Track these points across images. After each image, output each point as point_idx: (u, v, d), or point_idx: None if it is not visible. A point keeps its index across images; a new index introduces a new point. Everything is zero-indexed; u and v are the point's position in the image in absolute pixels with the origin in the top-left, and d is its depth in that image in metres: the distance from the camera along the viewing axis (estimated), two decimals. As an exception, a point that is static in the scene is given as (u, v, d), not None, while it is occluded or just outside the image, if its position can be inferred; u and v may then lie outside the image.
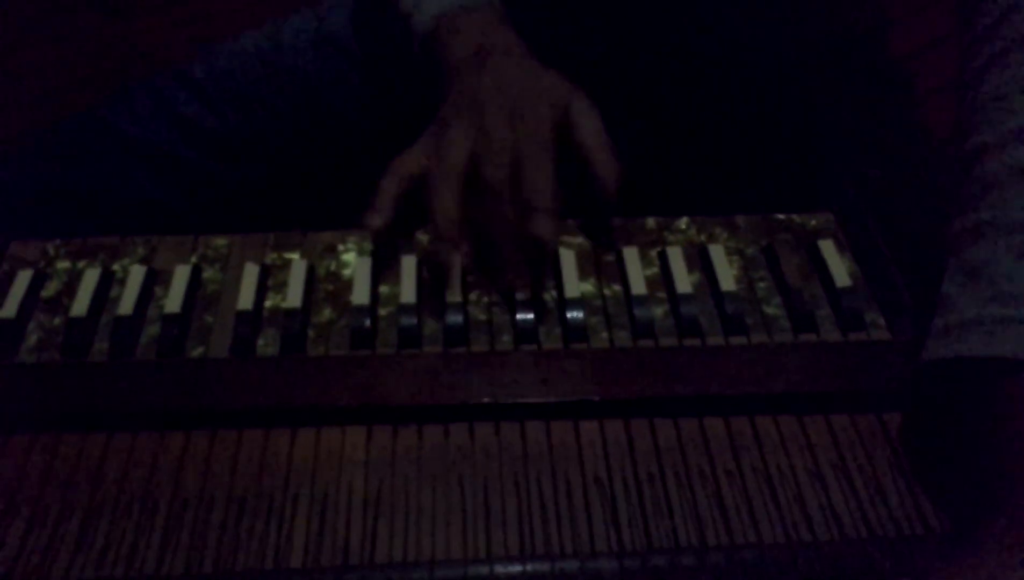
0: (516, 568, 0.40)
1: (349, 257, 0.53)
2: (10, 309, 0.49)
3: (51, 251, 0.53)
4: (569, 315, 0.49)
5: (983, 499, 0.40)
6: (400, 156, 0.53)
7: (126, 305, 0.49)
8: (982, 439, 0.41)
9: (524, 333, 0.49)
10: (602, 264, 0.53)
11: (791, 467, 0.44)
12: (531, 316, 0.49)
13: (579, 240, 0.54)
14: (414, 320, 0.49)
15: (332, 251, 0.54)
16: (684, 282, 0.51)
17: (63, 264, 0.53)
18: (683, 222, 0.55)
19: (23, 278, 0.51)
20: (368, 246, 0.54)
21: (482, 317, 0.50)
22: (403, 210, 0.52)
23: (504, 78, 0.53)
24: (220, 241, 0.54)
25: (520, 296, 0.50)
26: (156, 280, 0.52)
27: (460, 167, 0.50)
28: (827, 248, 0.52)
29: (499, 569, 0.40)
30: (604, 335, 0.49)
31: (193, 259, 0.53)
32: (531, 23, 0.65)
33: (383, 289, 0.51)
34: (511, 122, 0.51)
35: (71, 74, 1.56)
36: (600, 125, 0.52)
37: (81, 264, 0.53)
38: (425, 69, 0.58)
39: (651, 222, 0.55)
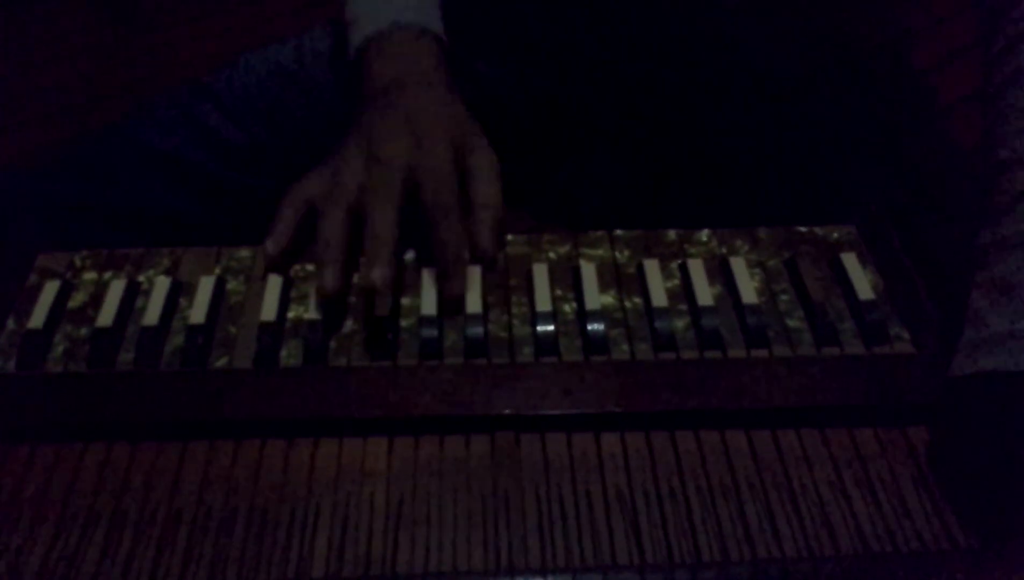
0: (537, 581, 0.40)
1: (371, 269, 0.53)
2: (37, 320, 0.50)
3: (78, 262, 0.54)
4: (590, 327, 0.49)
5: (1010, 515, 0.40)
6: (298, 182, 0.54)
7: (151, 316, 0.50)
8: (1011, 455, 0.40)
9: (545, 345, 0.49)
10: (623, 276, 0.53)
11: (814, 481, 0.44)
12: (552, 328, 0.49)
13: (600, 251, 0.54)
14: (435, 332, 0.49)
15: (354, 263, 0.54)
16: (705, 294, 0.51)
17: (89, 275, 0.53)
18: (704, 234, 0.55)
19: (50, 289, 0.51)
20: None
21: (503, 329, 0.50)
22: (300, 236, 0.53)
23: (411, 107, 0.54)
24: (244, 253, 0.54)
25: (541, 307, 0.50)
26: (181, 291, 0.52)
27: (349, 190, 0.51)
28: (850, 261, 0.52)
29: (520, 581, 0.40)
30: (625, 347, 0.49)
31: (217, 270, 0.53)
32: (559, 37, 0.65)
33: (404, 301, 0.52)
34: (408, 144, 0.52)
35: (95, 88, 1.58)
36: (494, 175, 0.53)
37: (107, 275, 0.53)
38: (349, 82, 0.59)
39: (672, 234, 0.55)
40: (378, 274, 0.48)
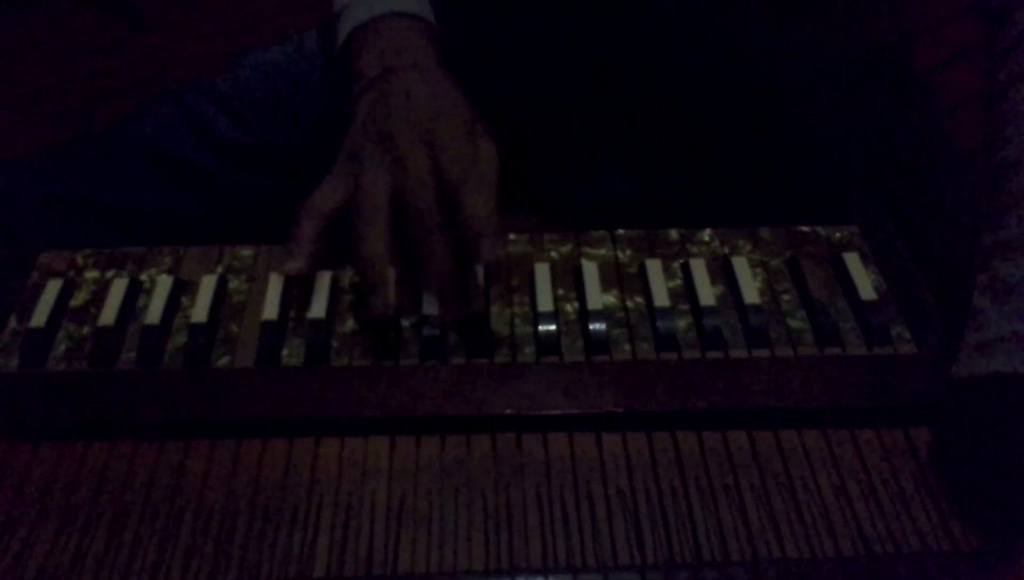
0: (538, 580, 0.40)
1: (373, 268, 0.53)
2: (40, 318, 0.50)
3: (80, 261, 0.54)
4: (591, 327, 0.49)
5: (1012, 517, 0.40)
6: (313, 195, 0.51)
7: (153, 315, 0.50)
8: (1012, 457, 0.40)
9: (546, 345, 0.49)
10: (624, 276, 0.53)
11: (816, 482, 0.44)
12: (553, 328, 0.49)
13: (602, 251, 0.54)
14: (437, 331, 0.49)
15: (356, 262, 0.54)
16: (707, 294, 0.50)
17: (92, 274, 0.53)
18: (706, 234, 0.55)
19: (52, 287, 0.51)
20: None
21: (504, 329, 0.50)
22: (321, 247, 0.50)
23: (411, 100, 0.51)
24: (246, 252, 0.55)
25: (543, 307, 0.50)
26: (183, 290, 0.52)
27: (382, 204, 0.48)
28: (852, 261, 0.52)
29: (521, 581, 0.40)
30: (627, 347, 0.49)
31: (219, 270, 0.53)
32: (563, 39, 0.65)
33: (406, 300, 0.52)
34: (428, 148, 0.49)
35: (99, 87, 1.58)
36: (496, 162, 0.51)
37: (109, 274, 0.53)
38: (341, 79, 0.57)
39: (674, 234, 0.55)
40: (453, 309, 0.49)
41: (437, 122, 0.50)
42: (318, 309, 0.50)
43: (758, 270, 0.53)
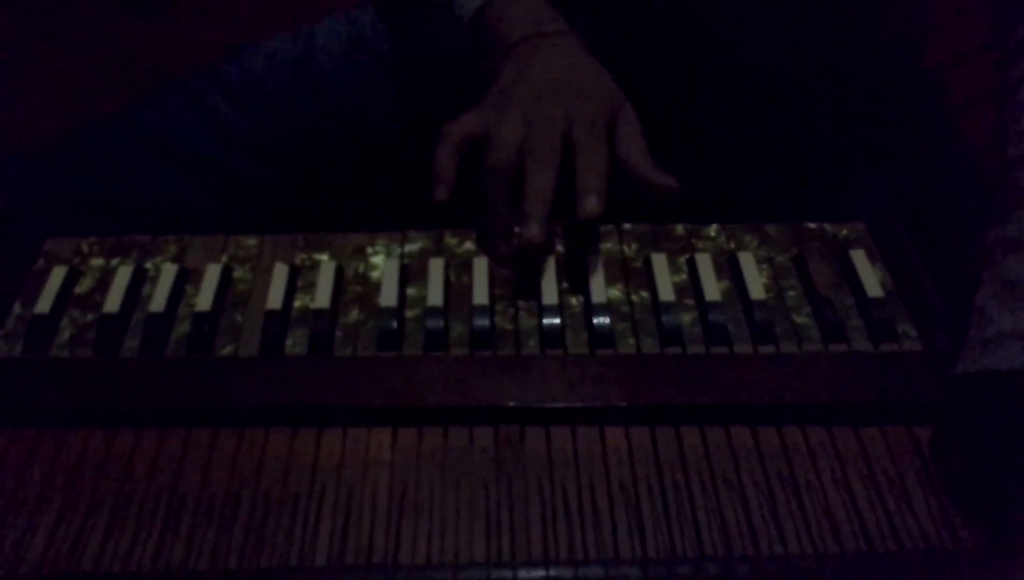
0: (539, 572, 0.40)
1: (377, 259, 0.53)
2: (44, 305, 0.50)
3: (85, 248, 0.54)
4: (596, 321, 0.49)
5: (1015, 514, 0.39)
6: (451, 124, 0.53)
7: (157, 303, 0.50)
8: (1016, 453, 0.40)
9: (551, 338, 0.49)
10: (630, 270, 0.53)
11: (819, 478, 0.44)
12: (558, 321, 0.49)
13: (608, 245, 0.54)
14: (441, 323, 0.49)
15: (361, 253, 0.54)
16: (713, 290, 0.50)
17: (97, 261, 0.53)
18: (712, 229, 0.55)
19: (58, 274, 0.52)
20: (396, 249, 0.54)
21: (509, 321, 0.50)
22: (462, 175, 0.53)
23: (561, 61, 0.54)
24: (251, 241, 0.54)
25: (547, 300, 0.50)
26: (187, 279, 0.52)
27: (509, 148, 0.51)
28: (859, 258, 0.52)
29: (522, 573, 0.40)
30: (631, 341, 0.49)
31: (224, 258, 0.53)
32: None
33: (410, 291, 0.52)
34: (564, 104, 0.52)
35: (105, 76, 1.58)
36: (643, 141, 0.54)
37: (114, 262, 0.53)
38: (471, 54, 0.59)
39: (680, 229, 0.55)
40: (535, 231, 0.49)
41: (582, 89, 0.53)
42: (322, 299, 0.50)
43: (764, 266, 0.53)
